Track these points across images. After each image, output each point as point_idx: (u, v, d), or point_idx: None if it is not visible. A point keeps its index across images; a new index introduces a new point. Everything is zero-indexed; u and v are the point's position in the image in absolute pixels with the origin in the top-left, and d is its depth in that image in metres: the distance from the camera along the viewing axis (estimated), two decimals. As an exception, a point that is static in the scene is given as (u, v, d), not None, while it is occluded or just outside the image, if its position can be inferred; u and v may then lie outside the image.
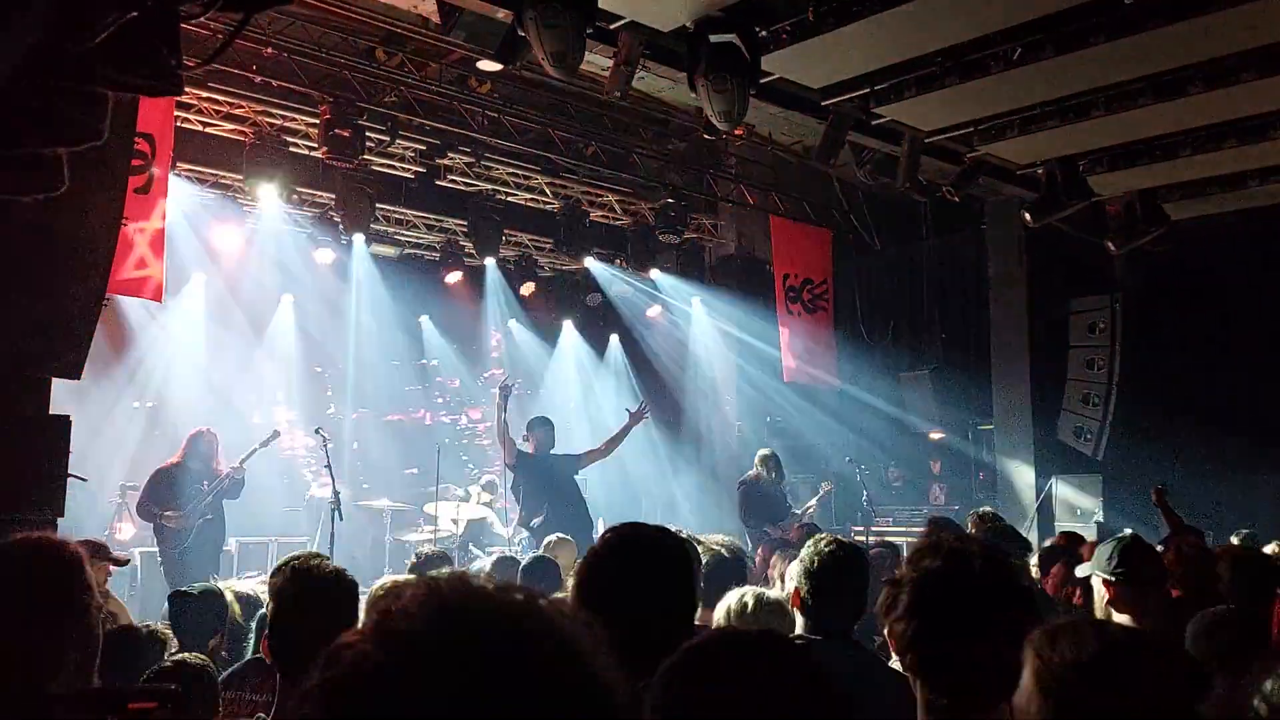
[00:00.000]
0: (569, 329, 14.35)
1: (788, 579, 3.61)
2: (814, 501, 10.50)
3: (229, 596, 4.30)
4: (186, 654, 3.36)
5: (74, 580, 2.03)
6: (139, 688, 2.07)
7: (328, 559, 2.89)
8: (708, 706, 1.30)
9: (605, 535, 2.32)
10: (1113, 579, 3.40)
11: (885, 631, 1.96)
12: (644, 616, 2.01)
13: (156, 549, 8.18)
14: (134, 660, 3.36)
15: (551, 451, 8.62)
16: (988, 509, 6.56)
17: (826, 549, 2.98)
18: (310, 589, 2.69)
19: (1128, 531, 3.82)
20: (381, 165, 10.56)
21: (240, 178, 9.76)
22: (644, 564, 2.20)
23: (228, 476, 8.31)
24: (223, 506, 8.39)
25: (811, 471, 12.78)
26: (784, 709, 1.29)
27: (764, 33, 6.37)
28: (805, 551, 3.02)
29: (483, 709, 0.71)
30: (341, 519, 8.36)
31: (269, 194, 9.59)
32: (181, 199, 9.36)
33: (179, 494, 8.09)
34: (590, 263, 12.96)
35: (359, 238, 11.20)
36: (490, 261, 12.41)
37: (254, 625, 3.94)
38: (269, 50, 8.66)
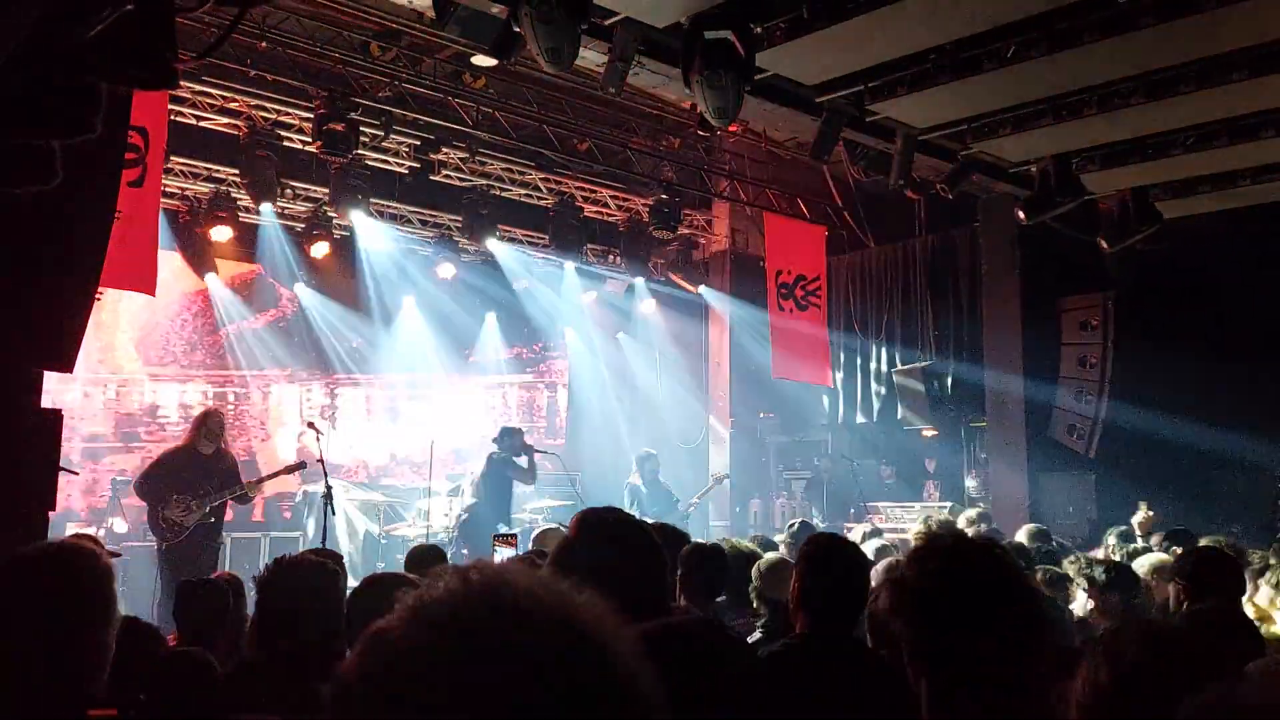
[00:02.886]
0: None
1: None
2: (694, 499, 10.94)
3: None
4: (189, 647, 3.36)
5: (106, 589, 2.09)
6: (103, 695, 2.13)
7: (314, 553, 2.89)
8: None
9: (578, 521, 2.32)
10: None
11: (865, 627, 1.97)
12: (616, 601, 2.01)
13: (154, 544, 8.00)
14: (130, 653, 3.34)
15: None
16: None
17: (827, 547, 2.98)
18: (293, 583, 2.69)
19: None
20: (375, 160, 10.54)
21: (235, 172, 9.73)
22: (616, 548, 2.20)
23: (244, 489, 8.19)
24: (225, 507, 8.26)
25: (805, 468, 12.80)
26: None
27: (759, 29, 6.35)
28: (805, 549, 3.02)
29: (515, 695, 0.72)
30: (334, 513, 8.33)
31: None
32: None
33: (188, 478, 7.89)
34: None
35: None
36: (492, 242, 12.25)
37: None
38: (263, 44, 8.62)
